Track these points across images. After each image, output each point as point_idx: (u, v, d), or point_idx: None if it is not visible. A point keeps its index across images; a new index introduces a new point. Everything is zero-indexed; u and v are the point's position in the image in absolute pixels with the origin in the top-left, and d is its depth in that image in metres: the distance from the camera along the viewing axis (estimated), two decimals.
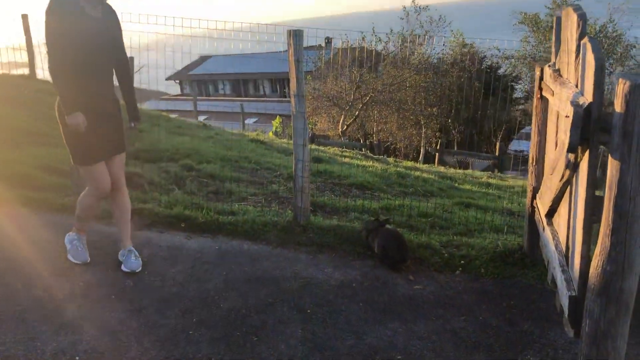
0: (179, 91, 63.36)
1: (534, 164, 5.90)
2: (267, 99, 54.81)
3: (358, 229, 6.42)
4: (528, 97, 44.77)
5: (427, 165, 19.43)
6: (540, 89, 5.64)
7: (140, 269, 5.18)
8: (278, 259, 5.78)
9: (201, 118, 40.31)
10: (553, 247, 4.85)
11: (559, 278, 4.52)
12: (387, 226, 6.09)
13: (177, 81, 63.15)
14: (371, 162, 12.41)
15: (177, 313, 4.60)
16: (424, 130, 32.99)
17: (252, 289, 5.10)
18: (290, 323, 4.58)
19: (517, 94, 51.98)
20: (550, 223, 5.18)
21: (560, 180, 4.49)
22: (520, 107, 46.45)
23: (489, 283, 5.64)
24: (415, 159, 32.12)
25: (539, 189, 5.79)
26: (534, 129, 5.87)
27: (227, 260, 5.63)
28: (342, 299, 5.05)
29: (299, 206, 6.53)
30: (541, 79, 5.62)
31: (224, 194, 7.96)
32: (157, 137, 10.91)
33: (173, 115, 19.46)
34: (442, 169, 16.99)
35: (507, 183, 14.19)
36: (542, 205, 5.32)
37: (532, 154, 5.91)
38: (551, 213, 5.17)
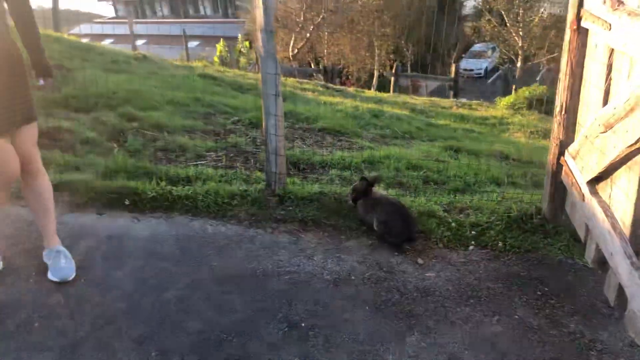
0: (113, 13, 58.68)
1: (562, 112, 4.80)
2: (210, 20, 51.38)
3: (344, 196, 5.26)
4: (478, 14, 43.50)
5: (387, 94, 18.28)
6: (579, 18, 4.43)
7: (73, 275, 3.89)
8: (253, 246, 4.58)
9: (139, 43, 37.19)
10: (606, 226, 3.84)
11: (625, 269, 3.55)
12: (382, 192, 4.95)
13: (110, 2, 58.33)
14: (337, 99, 11.09)
15: (126, 346, 3.38)
16: (377, 52, 31.51)
17: (226, 295, 3.92)
18: (282, 347, 3.46)
19: (467, 11, 50.67)
20: (595, 192, 4.15)
21: (632, 145, 3.41)
22: (470, 24, 45.30)
23: (511, 261, 4.65)
24: (369, 84, 30.82)
25: (569, 144, 4.73)
26: (565, 69, 4.71)
27: (188, 253, 4.39)
28: (343, 302, 3.95)
29: (273, 171, 5.28)
30: (580, 4, 4.40)
31: (175, 151, 6.58)
32: (88, 77, 9.18)
33: (108, 42, 17.29)
34: (407, 98, 15.87)
35: (479, 113, 13.23)
36: (583, 168, 4.27)
37: (560, 100, 4.79)
38: (598, 180, 4.13)
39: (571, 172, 4.60)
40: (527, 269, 4.55)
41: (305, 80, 14.66)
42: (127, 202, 5.08)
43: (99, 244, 4.43)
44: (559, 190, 5.01)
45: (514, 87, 21.96)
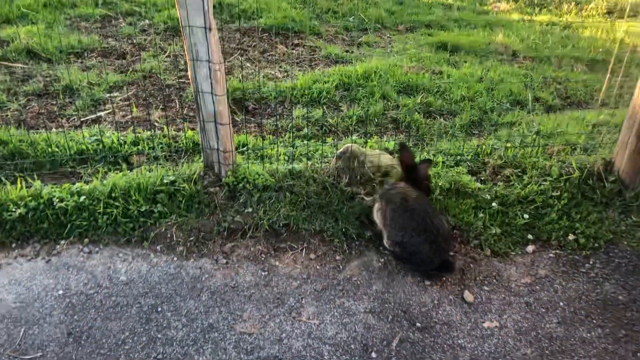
0: None
1: None
2: None
3: (335, 171, 3.42)
4: None
5: None
6: None
7: None
8: (197, 304, 2.76)
9: None
10: None
11: None
12: (406, 191, 3.11)
13: None
14: None
15: None
16: None
17: None
18: None
19: None
20: None
21: None
22: None
23: (596, 270, 3.07)
24: None
25: None
26: None
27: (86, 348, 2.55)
28: None
29: (215, 148, 3.30)
30: None
31: (57, 93, 4.36)
32: None
33: None
34: None
35: None
36: None
37: None
38: None
39: None
40: (623, 284, 2.99)
41: None
42: None
43: None
44: None
45: None
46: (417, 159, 3.26)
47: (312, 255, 3.08)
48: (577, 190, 3.56)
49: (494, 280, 2.99)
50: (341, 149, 3.60)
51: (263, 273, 2.94)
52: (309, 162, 3.60)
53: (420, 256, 2.90)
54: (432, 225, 2.89)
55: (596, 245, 3.25)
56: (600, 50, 6.25)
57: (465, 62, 5.58)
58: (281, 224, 3.21)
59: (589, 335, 2.68)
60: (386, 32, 6.74)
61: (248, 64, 5.32)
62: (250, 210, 3.24)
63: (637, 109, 3.34)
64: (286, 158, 3.77)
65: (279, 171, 3.44)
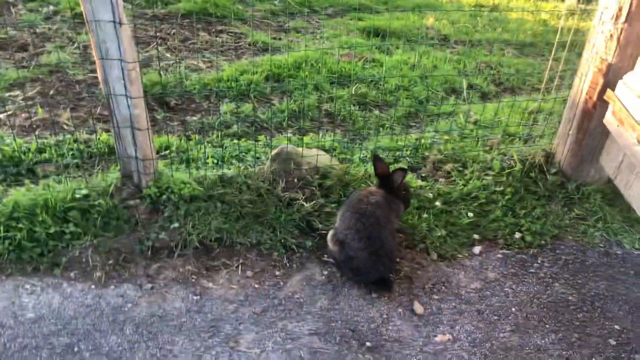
0: None
1: (618, 18, 2.87)
2: None
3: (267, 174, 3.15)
4: None
5: None
6: None
7: None
8: (122, 337, 2.43)
9: None
10: None
11: None
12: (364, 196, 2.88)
13: None
14: None
15: None
16: None
17: None
18: None
19: None
20: None
21: None
22: None
23: (545, 269, 2.99)
24: None
25: (626, 71, 2.89)
26: None
27: None
28: None
29: (133, 156, 2.94)
30: None
31: None
32: None
33: None
34: None
35: None
36: None
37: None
38: None
39: (632, 117, 2.80)
40: (572, 282, 2.91)
41: None
42: None
43: None
44: (592, 137, 3.26)
45: None
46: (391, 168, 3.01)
47: (249, 273, 2.80)
48: (520, 184, 3.47)
49: (443, 288, 2.83)
50: (275, 150, 3.32)
51: (194, 297, 2.64)
52: (241, 166, 3.29)
53: (357, 263, 2.69)
54: (378, 235, 2.68)
55: (542, 242, 3.16)
56: (529, 32, 6.26)
57: (398, 48, 5.40)
58: (213, 239, 2.91)
59: (543, 342, 2.57)
60: (315, 17, 6.46)
61: (168, 54, 4.90)
62: (176, 225, 2.91)
63: (577, 100, 3.26)
64: (215, 161, 3.45)
65: (208, 178, 3.12)
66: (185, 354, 2.36)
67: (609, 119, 3.08)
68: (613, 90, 2.99)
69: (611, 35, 2.93)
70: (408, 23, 6.14)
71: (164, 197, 2.99)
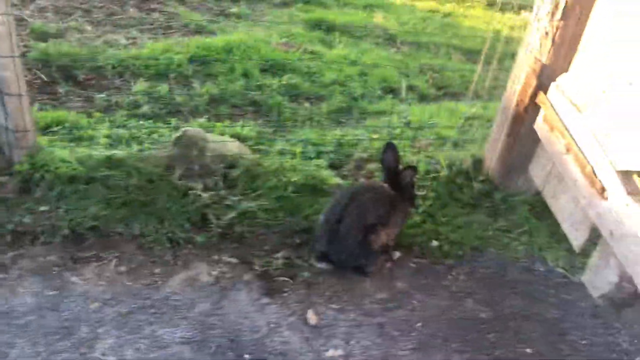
0: None
1: (552, 16, 2.66)
2: None
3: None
4: None
5: None
6: None
7: None
8: None
9: None
10: None
11: None
12: None
13: None
14: None
15: None
16: None
17: None
18: None
19: None
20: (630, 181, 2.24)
21: None
22: None
23: (459, 283, 2.73)
24: None
25: (560, 72, 2.68)
26: None
27: None
28: None
29: (4, 126, 2.56)
30: None
31: None
32: None
33: None
34: None
35: None
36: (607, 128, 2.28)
37: None
38: None
39: (562, 124, 2.59)
40: (487, 299, 2.65)
41: None
42: None
43: None
44: (523, 144, 3.03)
45: None
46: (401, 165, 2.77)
47: (123, 268, 2.44)
48: (445, 190, 3.21)
49: (345, 296, 2.53)
50: (177, 133, 2.97)
51: (51, 292, 2.26)
52: (137, 148, 2.93)
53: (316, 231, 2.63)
54: (340, 217, 2.54)
55: (460, 252, 2.90)
56: (479, 40, 6.07)
57: (340, 42, 5.12)
58: (87, 227, 2.54)
59: None
60: (262, 5, 6.13)
61: (89, 27, 4.49)
62: (46, 208, 2.53)
63: (509, 104, 3.03)
64: (110, 142, 3.08)
65: (93, 158, 2.74)
66: None
67: (539, 125, 2.85)
68: (546, 93, 2.77)
69: (546, 33, 2.70)
70: (356, 19, 5.88)
71: (38, 175, 2.61)
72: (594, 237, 2.54)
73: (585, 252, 2.89)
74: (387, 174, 2.75)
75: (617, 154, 2.25)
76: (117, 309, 2.26)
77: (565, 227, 2.70)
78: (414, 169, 2.72)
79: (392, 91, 4.55)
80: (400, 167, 2.72)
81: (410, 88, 4.66)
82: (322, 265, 2.60)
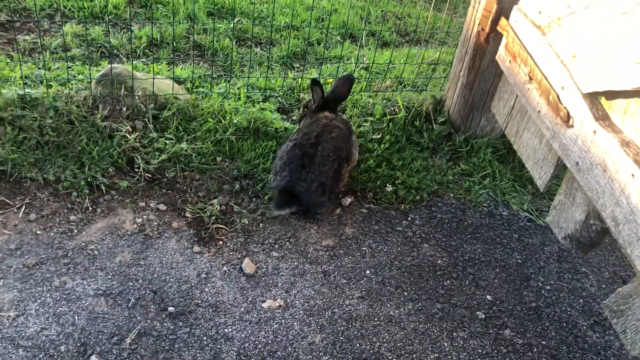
0: None
1: None
2: None
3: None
4: None
5: None
6: None
7: None
8: None
9: None
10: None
11: None
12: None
13: None
14: None
15: None
16: None
17: None
18: None
19: None
20: (602, 113, 2.01)
21: None
22: None
23: (417, 231, 2.49)
24: None
25: None
26: None
27: None
28: None
29: None
30: None
31: None
32: None
33: None
34: None
35: None
36: (576, 55, 2.05)
37: None
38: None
39: (525, 50, 2.35)
40: (445, 245, 2.43)
41: None
42: None
43: None
44: (484, 78, 2.79)
45: None
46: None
47: (33, 216, 2.15)
48: (402, 133, 2.97)
49: (288, 244, 2.29)
50: (102, 71, 2.65)
51: None
52: (58, 88, 2.61)
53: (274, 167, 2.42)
54: (315, 142, 2.38)
55: (417, 198, 2.67)
56: None
57: None
58: None
59: (396, 312, 2.07)
60: None
61: None
62: None
63: (468, 34, 2.77)
64: (30, 83, 2.74)
65: (3, 96, 2.42)
66: None
67: (501, 55, 2.60)
68: (507, 19, 2.51)
69: None
70: None
71: None
72: (560, 173, 2.32)
73: (551, 192, 2.69)
74: (331, 104, 2.56)
75: (584, 76, 2.01)
76: (22, 260, 1.98)
77: (530, 164, 2.48)
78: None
79: (352, 37, 4.26)
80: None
81: (372, 34, 4.37)
82: (282, 212, 2.35)
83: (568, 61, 2.11)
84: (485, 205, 2.73)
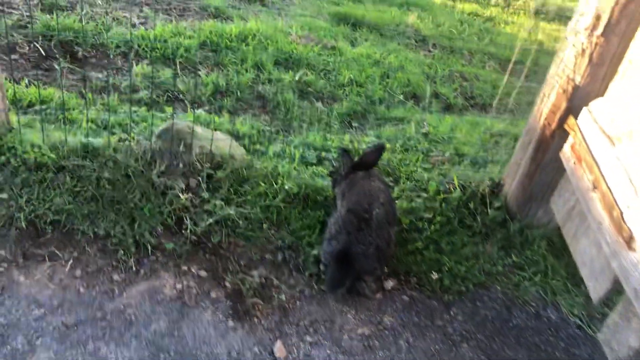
0: None
1: (591, 31, 2.30)
2: None
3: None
4: None
5: None
6: None
7: None
8: None
9: None
10: None
11: None
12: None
13: None
14: None
15: None
16: None
17: None
18: None
19: None
20: None
21: None
22: None
23: (458, 328, 2.39)
24: None
25: (595, 95, 2.33)
26: None
27: None
28: None
29: None
30: None
31: None
32: None
33: None
34: None
35: None
36: None
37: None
38: None
39: (591, 156, 2.24)
40: (485, 347, 2.33)
41: None
42: None
43: None
44: (546, 171, 2.68)
45: None
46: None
47: (79, 272, 2.20)
48: (455, 214, 2.88)
49: (323, 328, 2.25)
50: (164, 125, 2.72)
51: None
52: (119, 138, 2.69)
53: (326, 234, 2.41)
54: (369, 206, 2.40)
55: (463, 288, 2.57)
56: (518, 49, 5.67)
57: (367, 40, 4.80)
58: (48, 221, 2.31)
59: None
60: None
61: (99, 1, 4.27)
62: (5, 196, 2.31)
63: (534, 125, 2.68)
64: (95, 127, 2.84)
65: (67, 145, 2.51)
66: None
67: (566, 153, 2.50)
68: (576, 118, 2.42)
69: (583, 50, 2.34)
70: (387, 17, 5.54)
71: (3, 159, 2.38)
72: (617, 290, 2.18)
73: (606, 303, 2.54)
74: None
75: None
76: (63, 318, 2.02)
77: (585, 273, 2.35)
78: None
79: (415, 97, 4.22)
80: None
81: (436, 95, 4.32)
82: (335, 290, 2.33)
83: (637, 180, 1.99)
84: (533, 304, 2.60)
